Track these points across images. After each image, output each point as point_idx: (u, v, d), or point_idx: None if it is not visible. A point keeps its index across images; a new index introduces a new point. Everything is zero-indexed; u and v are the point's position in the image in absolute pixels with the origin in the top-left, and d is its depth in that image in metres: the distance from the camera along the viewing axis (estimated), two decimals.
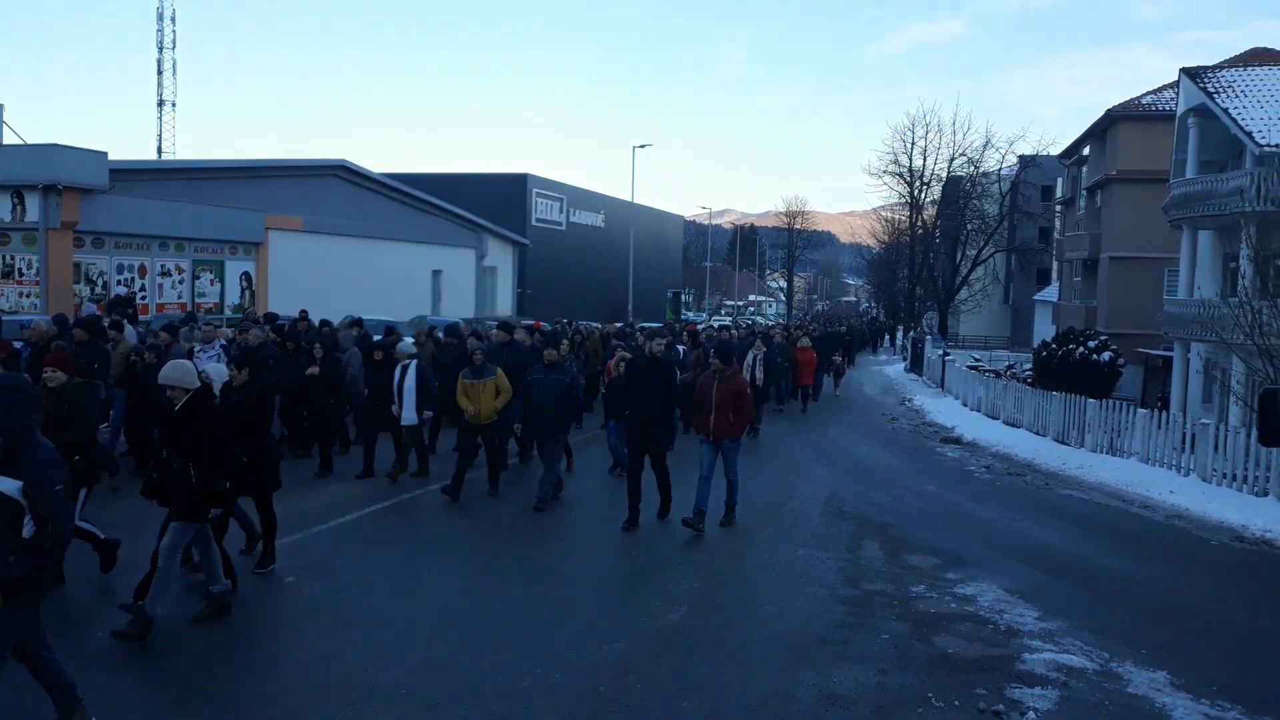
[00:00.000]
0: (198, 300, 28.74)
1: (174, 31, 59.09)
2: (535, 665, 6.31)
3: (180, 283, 28.41)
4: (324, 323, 18.08)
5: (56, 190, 23.75)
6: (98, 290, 25.40)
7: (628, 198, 54.14)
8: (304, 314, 18.48)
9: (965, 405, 24.01)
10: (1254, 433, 13.28)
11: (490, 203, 48.06)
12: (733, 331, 27.00)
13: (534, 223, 52.99)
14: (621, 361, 12.48)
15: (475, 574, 8.61)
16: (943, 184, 52.11)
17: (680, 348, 16.97)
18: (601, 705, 5.77)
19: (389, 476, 11.68)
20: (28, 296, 23.92)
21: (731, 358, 10.57)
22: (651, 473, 10.26)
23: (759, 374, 17.77)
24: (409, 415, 11.63)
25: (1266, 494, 12.50)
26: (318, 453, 12.34)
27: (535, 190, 53.85)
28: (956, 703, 5.97)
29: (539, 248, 51.68)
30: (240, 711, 5.58)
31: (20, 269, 24.42)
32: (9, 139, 24.58)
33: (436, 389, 12.17)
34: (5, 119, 24.33)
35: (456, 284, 42.89)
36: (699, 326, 31.21)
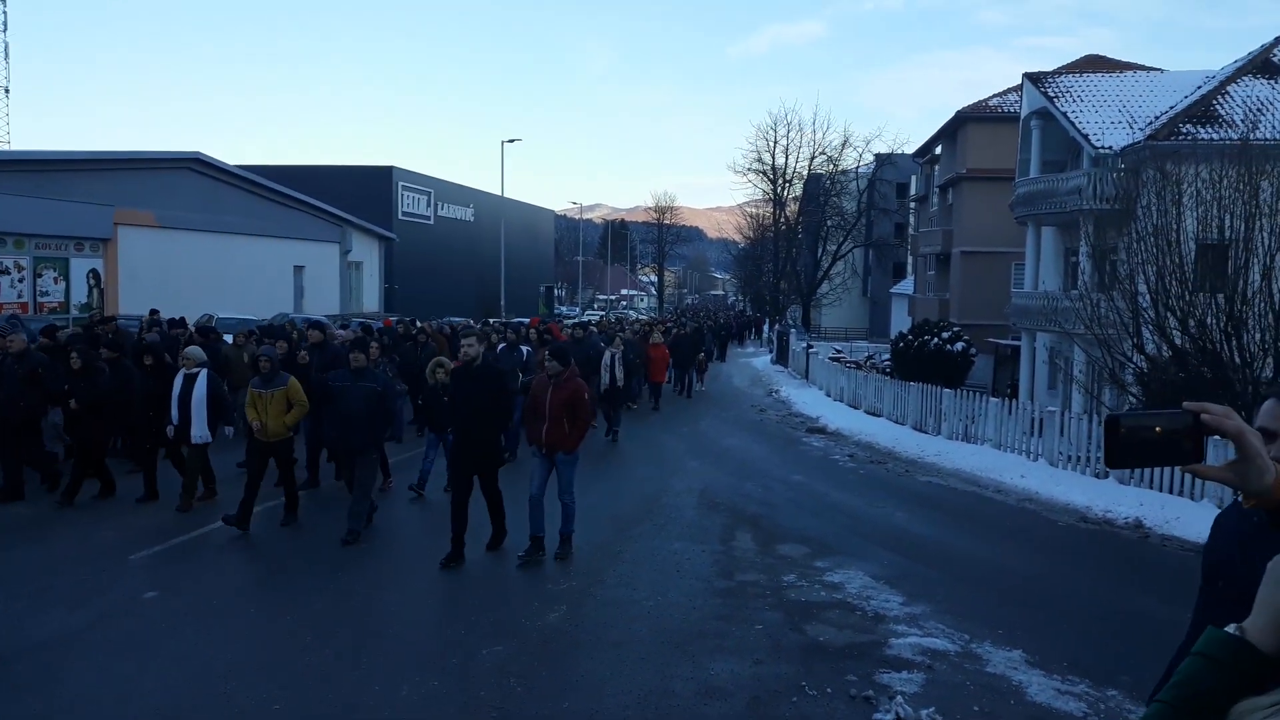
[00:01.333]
0: (40, 299, 27.06)
1: (4, 12, 55.33)
2: (413, 673, 6.23)
3: (20, 281, 26.68)
4: (171, 322, 17.30)
5: None
6: None
7: (498, 192, 53.62)
8: (153, 313, 17.66)
9: (829, 395, 24.75)
10: (1094, 418, 14.19)
11: (355, 196, 46.89)
12: (595, 327, 26.44)
13: (401, 216, 51.96)
14: (438, 368, 10.99)
15: (330, 591, 8.41)
16: (804, 181, 53.66)
17: (525, 348, 15.74)
18: (481, 710, 5.73)
19: (178, 509, 10.26)
20: None
21: (569, 359, 9.18)
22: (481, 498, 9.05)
23: (619, 373, 17.05)
24: (199, 432, 10.24)
25: (1107, 475, 13.35)
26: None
27: (401, 183, 52.80)
28: (829, 690, 6.18)
29: (407, 242, 50.67)
30: None
31: None
32: None
33: (231, 402, 11.01)
34: None
35: (320, 280, 41.65)
36: (569, 322, 31.17)
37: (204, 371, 10.45)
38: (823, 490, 13.17)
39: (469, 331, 10.28)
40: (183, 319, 18.20)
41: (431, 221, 56.00)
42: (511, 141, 51.34)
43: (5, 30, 55.46)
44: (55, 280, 27.89)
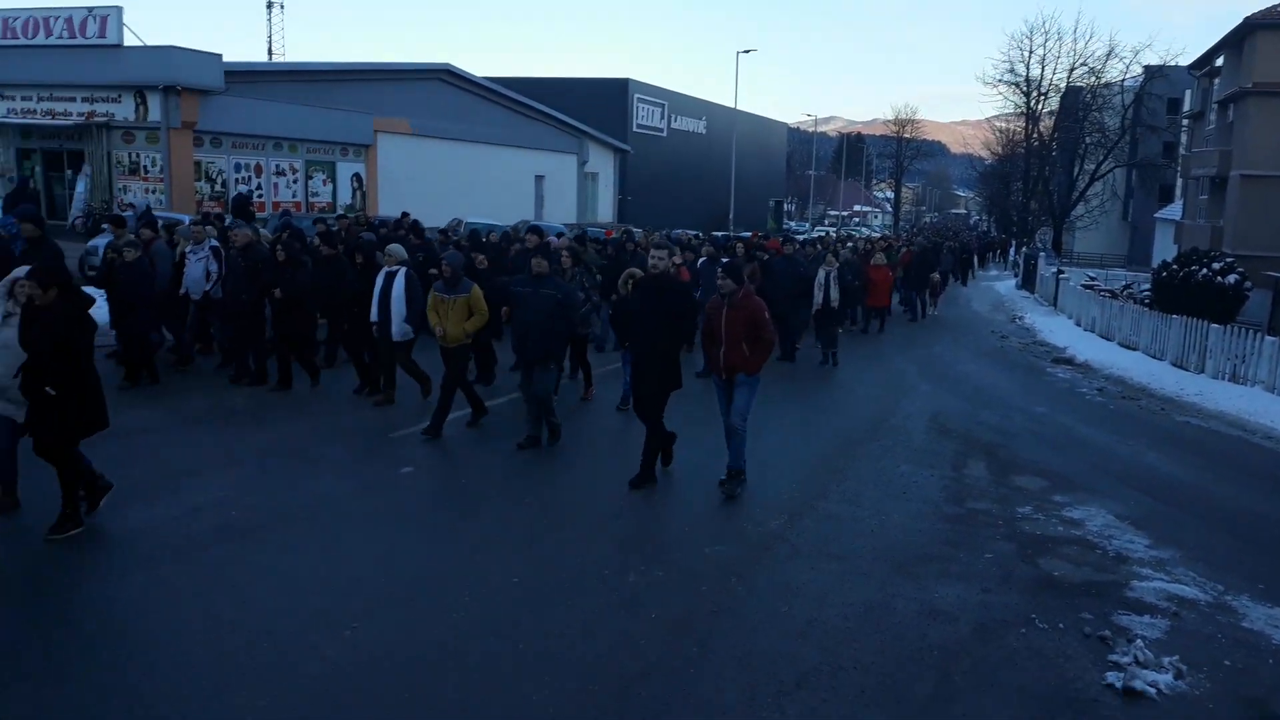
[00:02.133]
0: (311, 199, 29.49)
1: None
2: (639, 562, 6.47)
3: (294, 182, 29.17)
4: (406, 226, 17.54)
5: (176, 91, 24.47)
6: (217, 188, 26.26)
7: (730, 104, 52.98)
8: (404, 216, 18.56)
9: (1079, 325, 23.23)
10: None
11: (592, 108, 47.67)
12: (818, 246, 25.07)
13: (635, 129, 52.45)
14: (629, 280, 9.83)
15: (560, 485, 8.79)
16: (1061, 95, 49.56)
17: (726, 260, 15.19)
18: (703, 603, 5.90)
19: (375, 402, 10.70)
20: (153, 193, 24.87)
21: (742, 276, 8.33)
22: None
23: (834, 294, 15.71)
24: (398, 329, 10.16)
25: None
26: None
27: (636, 96, 53.14)
28: (1061, 625, 5.92)
29: (640, 154, 51.23)
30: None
31: (145, 166, 25.36)
32: (129, 40, 25.24)
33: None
34: (125, 20, 24.91)
35: (559, 189, 42.99)
36: (798, 237, 30.56)
37: (403, 270, 10.25)
38: (1067, 423, 12.43)
39: (660, 244, 9.52)
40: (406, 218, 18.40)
41: (664, 134, 56.22)
42: (747, 52, 50.37)
43: None
44: (324, 182, 30.27)
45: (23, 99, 26.19)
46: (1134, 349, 18.84)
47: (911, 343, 19.58)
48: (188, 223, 14.37)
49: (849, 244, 25.32)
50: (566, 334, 9.47)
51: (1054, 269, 31.01)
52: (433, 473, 8.60)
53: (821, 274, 15.82)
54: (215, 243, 11.88)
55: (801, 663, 5.23)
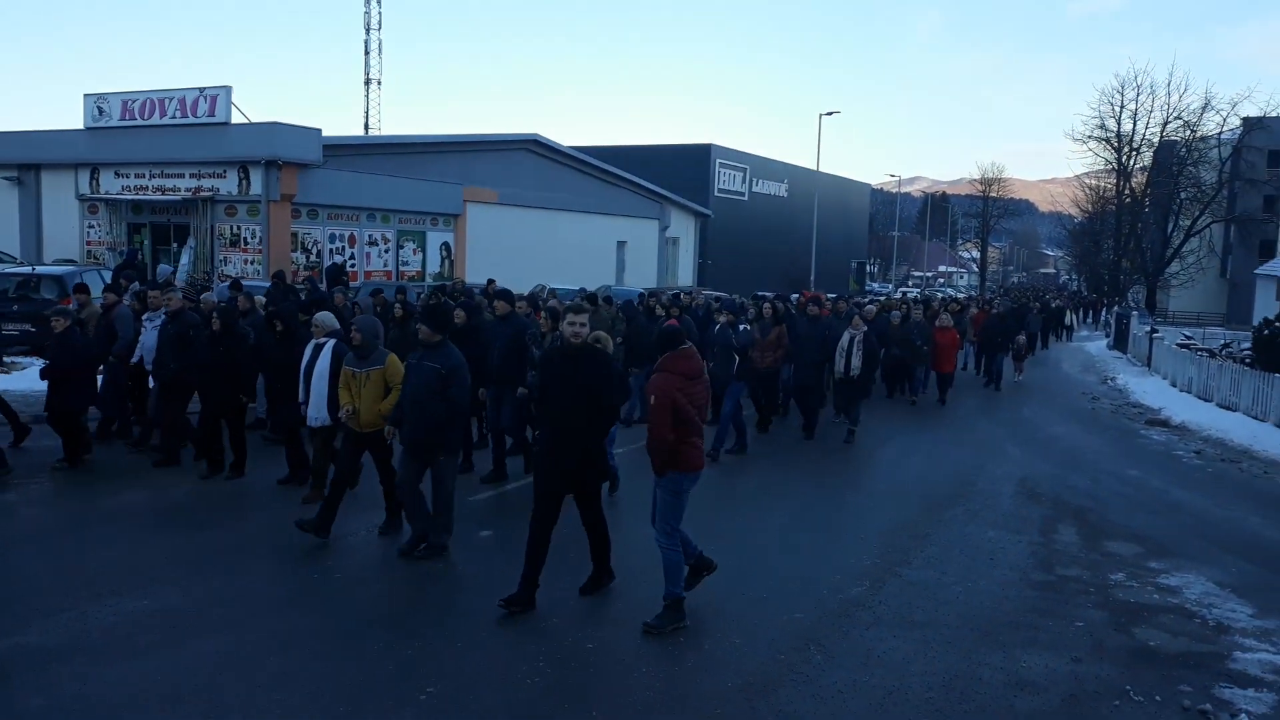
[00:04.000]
0: (401, 268, 30.43)
1: (379, 12, 62.26)
2: (715, 627, 6.44)
3: (386, 251, 30.16)
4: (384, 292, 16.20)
5: (277, 165, 25.64)
6: (312, 258, 27.32)
7: (812, 166, 53.16)
8: (490, 283, 18.82)
9: (1174, 386, 22.46)
10: None
11: (674, 173, 48.33)
12: (910, 304, 23.59)
13: (716, 193, 52.94)
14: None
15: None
16: (1154, 149, 48.49)
17: (744, 326, 13.31)
18: (782, 672, 5.84)
19: (303, 499, 9.05)
20: (252, 263, 25.99)
21: (676, 344, 6.48)
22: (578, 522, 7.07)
23: (856, 361, 13.79)
24: (315, 412, 8.75)
25: None
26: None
27: (718, 160, 53.73)
28: (1158, 698, 5.69)
29: (721, 218, 51.64)
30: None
31: (245, 238, 26.56)
32: (236, 118, 26.63)
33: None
34: (233, 99, 26.31)
35: (640, 254, 43.53)
36: (878, 299, 30.26)
37: (331, 342, 8.81)
38: (1161, 487, 12.00)
39: (579, 307, 6.93)
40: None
41: (746, 197, 56.61)
42: (829, 114, 50.51)
43: (380, 28, 62.47)
44: (414, 251, 31.23)
45: (136, 176, 27.77)
46: (1234, 410, 18.14)
47: (998, 405, 19.18)
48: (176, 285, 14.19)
49: (912, 303, 23.92)
50: (452, 414, 7.60)
51: (1147, 328, 30.12)
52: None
53: (845, 338, 14.03)
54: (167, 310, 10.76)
55: None
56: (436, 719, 5.13)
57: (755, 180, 57.82)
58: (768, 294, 22.04)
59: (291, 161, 25.86)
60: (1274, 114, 43.43)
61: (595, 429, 6.63)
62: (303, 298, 14.76)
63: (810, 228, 49.58)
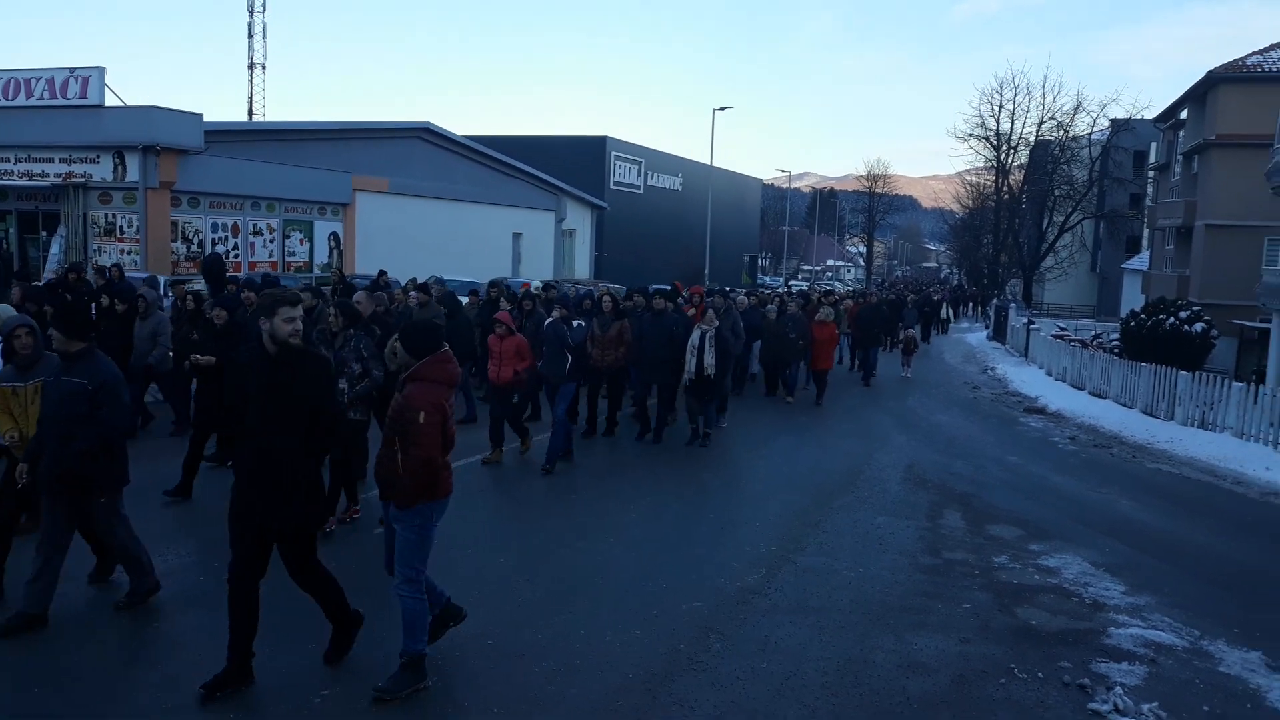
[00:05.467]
0: (287, 259, 29.51)
1: None
2: (615, 621, 6.44)
3: (271, 242, 29.19)
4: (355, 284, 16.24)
5: (155, 151, 24.53)
6: (193, 248, 26.26)
7: (706, 161, 53.72)
8: (381, 274, 18.45)
9: (1050, 375, 23.48)
10: None
11: (569, 166, 48.17)
12: (809, 297, 24.13)
13: (612, 186, 52.99)
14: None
15: (530, 536, 8.76)
16: (1030, 148, 50.69)
17: (577, 322, 12.51)
18: (681, 661, 5.88)
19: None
20: (129, 254, 24.83)
21: (435, 347, 5.42)
22: None
23: (708, 360, 12.69)
24: None
25: None
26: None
27: (614, 153, 53.78)
28: (1040, 674, 5.94)
29: (617, 211, 51.71)
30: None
31: (121, 227, 25.34)
32: (110, 101, 25.37)
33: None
34: (106, 81, 25.04)
35: (536, 246, 43.24)
36: (777, 291, 30.74)
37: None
38: (1040, 472, 12.54)
39: (292, 297, 5.33)
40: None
41: (641, 191, 56.82)
42: (723, 109, 51.32)
43: (264, 11, 60.48)
44: (301, 242, 30.32)
45: (0, 161, 26.22)
46: (1104, 397, 19.06)
47: (883, 395, 19.71)
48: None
49: (785, 296, 23.12)
50: (106, 442, 5.97)
51: (1025, 320, 31.41)
52: None
53: (696, 335, 12.84)
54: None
55: None
56: None
57: (650, 174, 58.09)
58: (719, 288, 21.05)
59: (171, 147, 24.76)
60: (1139, 116, 45.85)
61: (308, 453, 5.24)
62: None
63: (705, 221, 50.10)
